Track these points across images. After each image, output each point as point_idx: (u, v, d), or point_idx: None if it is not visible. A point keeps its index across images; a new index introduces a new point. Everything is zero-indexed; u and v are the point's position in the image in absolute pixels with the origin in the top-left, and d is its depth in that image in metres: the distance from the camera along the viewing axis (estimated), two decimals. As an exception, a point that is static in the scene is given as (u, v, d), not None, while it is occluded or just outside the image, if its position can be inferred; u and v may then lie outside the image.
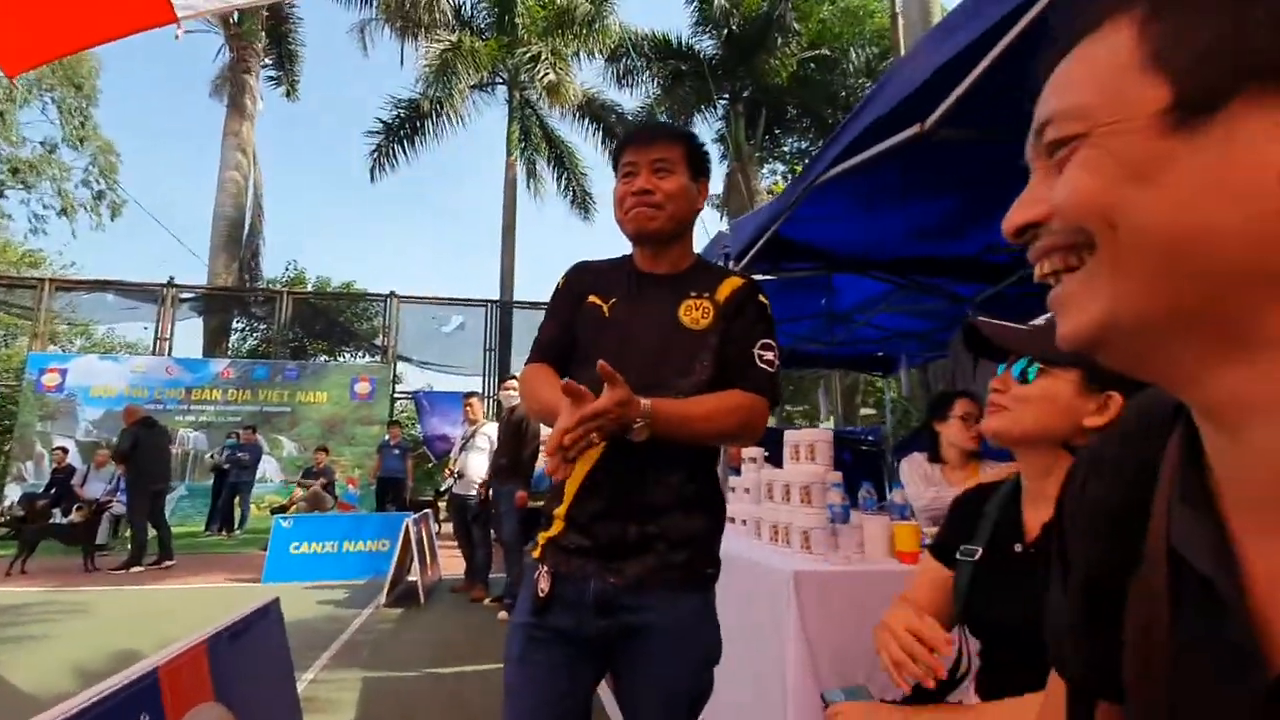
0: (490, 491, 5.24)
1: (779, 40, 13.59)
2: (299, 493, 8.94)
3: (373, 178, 15.03)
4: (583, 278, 1.39)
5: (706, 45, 14.71)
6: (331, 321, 15.95)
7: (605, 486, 1.22)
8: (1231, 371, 0.36)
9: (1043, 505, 1.01)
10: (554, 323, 1.38)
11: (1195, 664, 0.39)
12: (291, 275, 22.16)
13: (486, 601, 5.27)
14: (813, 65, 14.58)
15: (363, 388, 11.73)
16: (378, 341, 13.96)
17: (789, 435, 2.10)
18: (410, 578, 5.42)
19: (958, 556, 1.09)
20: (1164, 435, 0.45)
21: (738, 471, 2.77)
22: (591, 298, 1.35)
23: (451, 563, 6.61)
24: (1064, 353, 0.95)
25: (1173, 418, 0.45)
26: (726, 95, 14.93)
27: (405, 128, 14.77)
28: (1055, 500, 0.93)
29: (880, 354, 6.53)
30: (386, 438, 9.96)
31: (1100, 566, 0.47)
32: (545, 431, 9.30)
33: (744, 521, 2.39)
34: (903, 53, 7.34)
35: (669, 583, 1.20)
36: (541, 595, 1.22)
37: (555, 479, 1.10)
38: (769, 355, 1.29)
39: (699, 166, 1.35)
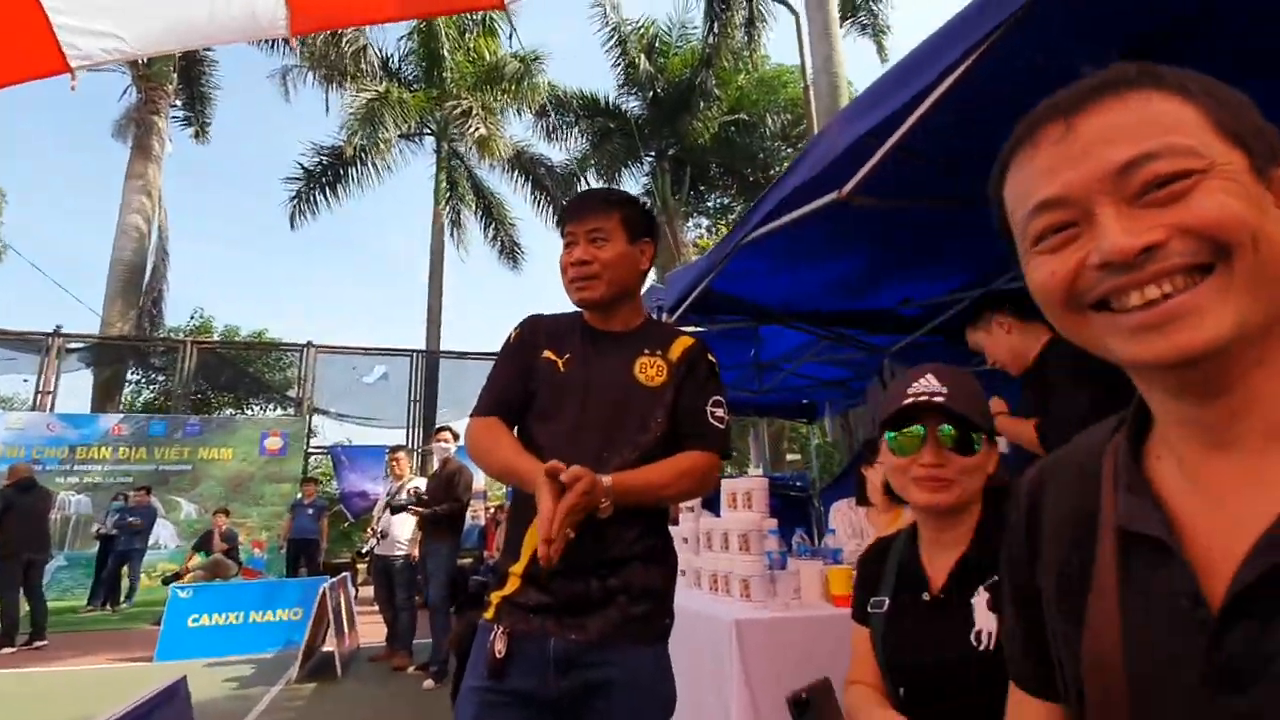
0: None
1: (701, 104, 14.34)
2: (195, 560, 8.21)
3: (293, 224, 14.61)
4: (536, 332, 1.41)
5: (633, 105, 15.34)
6: (240, 372, 15.03)
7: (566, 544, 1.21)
8: (1262, 367, 0.43)
9: (940, 552, 1.07)
10: (506, 375, 1.38)
11: (1144, 618, 0.46)
12: (197, 323, 20.84)
13: (410, 670, 4.96)
14: (733, 128, 15.42)
15: (273, 443, 11.01)
16: (292, 393, 13.23)
17: (726, 484, 2.16)
18: (326, 648, 5.04)
19: (869, 610, 1.13)
20: (1099, 457, 0.53)
21: (675, 521, 2.79)
22: (546, 353, 1.36)
23: (370, 630, 6.20)
24: (988, 421, 1.04)
25: (1104, 443, 0.54)
26: (653, 153, 15.54)
27: (328, 174, 14.49)
28: (962, 543, 1.02)
29: (805, 401, 6.78)
30: (300, 496, 9.37)
31: (1066, 565, 0.53)
32: (479, 484, 9.00)
33: (684, 571, 2.40)
34: (814, 120, 7.94)
35: (630, 636, 1.20)
36: (498, 656, 1.18)
37: (546, 568, 1.11)
38: (720, 412, 1.34)
39: (638, 229, 1.39)
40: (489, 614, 1.26)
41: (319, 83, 14.26)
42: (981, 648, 0.96)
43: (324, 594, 4.73)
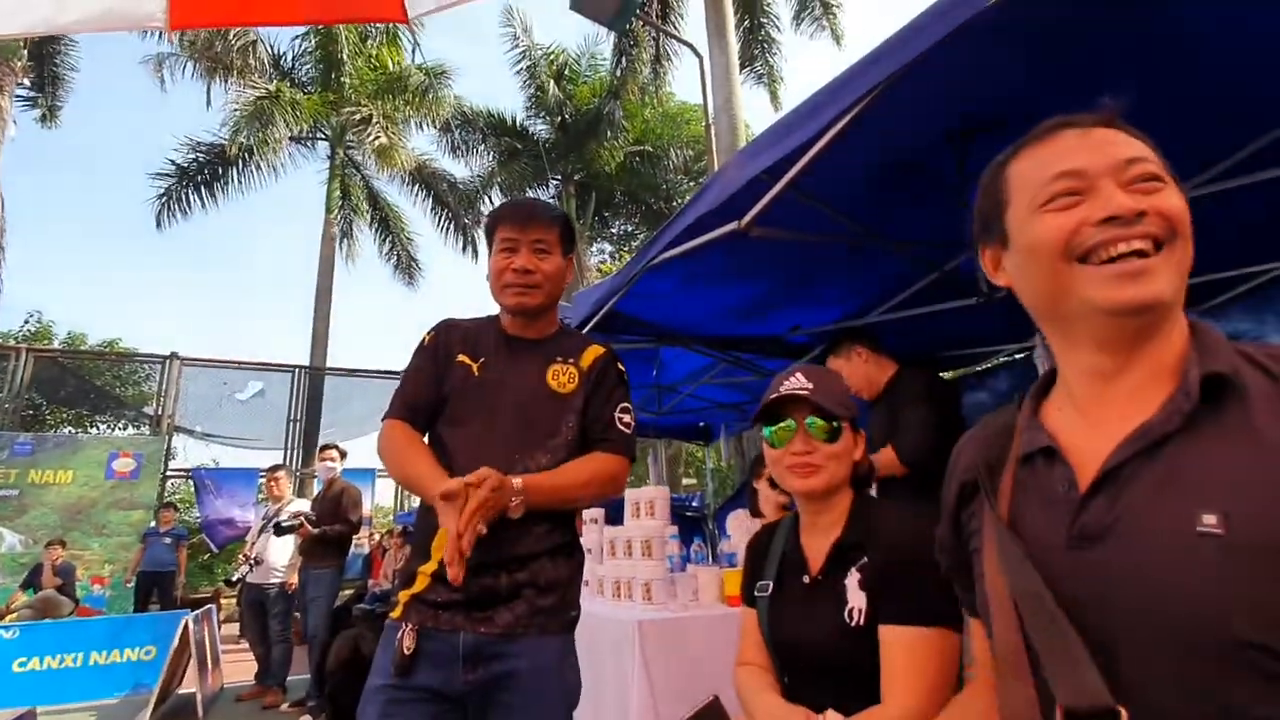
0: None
1: (608, 133, 14.66)
2: (20, 599, 7.18)
3: (159, 224, 13.37)
4: (451, 336, 1.43)
5: (541, 129, 15.42)
6: (86, 385, 13.37)
7: (477, 541, 1.24)
8: (1168, 334, 0.62)
9: (819, 535, 1.18)
10: (420, 379, 1.40)
11: (1029, 507, 0.64)
12: (33, 329, 18.39)
13: (284, 707, 4.60)
14: (638, 159, 15.85)
15: (124, 465, 9.84)
16: (149, 410, 11.93)
17: (629, 494, 2.24)
18: (185, 689, 4.56)
19: (755, 594, 1.24)
20: (1013, 419, 0.72)
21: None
22: (461, 357, 1.39)
23: (235, 670, 5.69)
24: (847, 411, 1.19)
25: (1015, 412, 0.73)
26: (559, 176, 15.64)
27: (204, 173, 13.43)
28: (836, 527, 1.17)
29: (701, 424, 7.03)
30: (154, 524, 8.45)
31: (972, 486, 0.72)
32: (367, 507, 8.44)
33: (587, 581, 2.44)
34: (714, 156, 8.37)
35: (538, 627, 1.25)
36: (407, 653, 1.19)
37: (455, 583, 1.13)
38: (627, 418, 1.43)
39: (569, 244, 1.48)
40: (396, 613, 1.27)
41: (201, 75, 13.25)
42: (853, 624, 1.07)
43: (187, 626, 4.30)
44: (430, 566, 1.26)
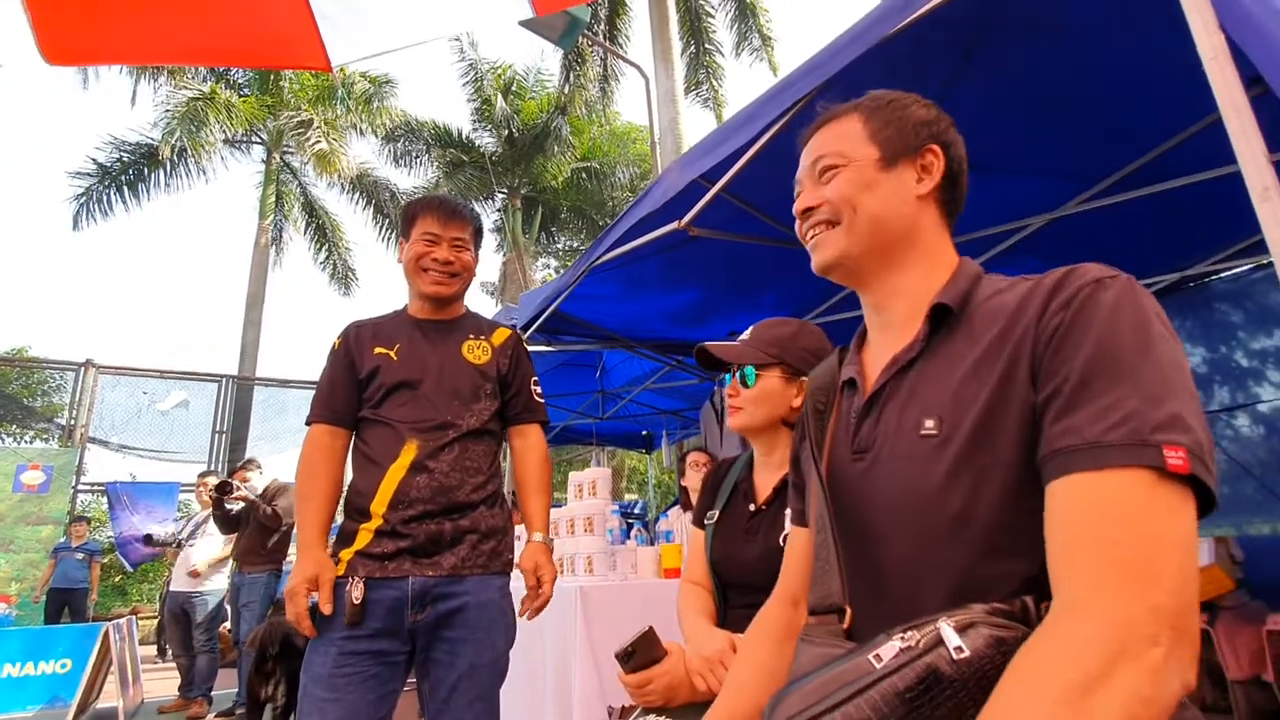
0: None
1: (555, 149, 14.82)
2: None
3: (76, 224, 12.66)
4: (362, 333, 1.56)
5: (487, 141, 15.43)
6: (-12, 394, 12.46)
7: (421, 492, 1.36)
8: (891, 276, 0.77)
9: (769, 472, 1.31)
10: (334, 380, 1.51)
11: (838, 429, 0.78)
12: (-75, 335, 16.95)
13: (210, 718, 4.43)
14: (584, 175, 16.05)
15: (32, 477, 9.21)
16: (61, 420, 11.20)
17: (574, 476, 2.36)
18: (106, 703, 4.34)
19: (705, 522, 1.38)
20: (839, 361, 0.86)
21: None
22: (376, 349, 1.52)
23: (154, 687, 5.43)
24: (771, 356, 1.32)
25: (840, 355, 0.87)
26: (505, 190, 15.67)
27: (128, 173, 12.82)
28: (784, 465, 1.29)
29: (644, 432, 7.19)
30: (65, 539, 7.95)
31: (816, 417, 0.84)
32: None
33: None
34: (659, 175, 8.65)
35: (480, 567, 1.39)
36: (356, 603, 1.28)
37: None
38: (538, 389, 1.65)
39: (480, 241, 1.67)
40: (340, 570, 1.35)
41: (127, 71, 12.70)
42: (785, 547, 1.21)
43: (107, 634, 4.11)
44: (374, 523, 1.36)
